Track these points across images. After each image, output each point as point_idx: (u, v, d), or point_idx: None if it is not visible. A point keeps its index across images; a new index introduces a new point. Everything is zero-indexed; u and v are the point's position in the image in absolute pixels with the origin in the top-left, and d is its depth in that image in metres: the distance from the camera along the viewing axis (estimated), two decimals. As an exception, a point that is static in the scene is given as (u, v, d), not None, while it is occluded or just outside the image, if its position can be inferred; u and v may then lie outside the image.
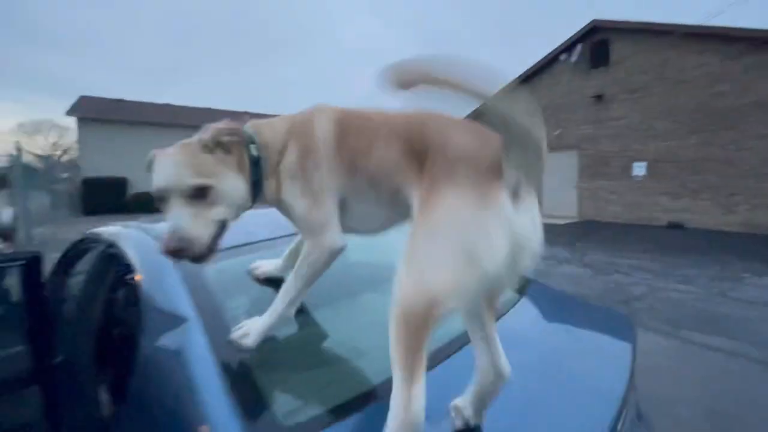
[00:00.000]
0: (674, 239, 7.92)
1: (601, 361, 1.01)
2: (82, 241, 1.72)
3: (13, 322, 1.42)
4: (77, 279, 1.99)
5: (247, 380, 0.75)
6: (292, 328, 0.99)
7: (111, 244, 1.36)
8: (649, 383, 2.37)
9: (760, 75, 8.05)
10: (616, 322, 1.26)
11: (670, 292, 4.53)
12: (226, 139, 0.77)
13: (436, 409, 0.69)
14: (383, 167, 0.78)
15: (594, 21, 10.65)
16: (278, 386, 0.78)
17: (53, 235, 9.07)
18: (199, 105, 22.88)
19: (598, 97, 10.73)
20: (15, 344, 1.46)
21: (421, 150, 0.72)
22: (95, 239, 1.56)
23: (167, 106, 21.38)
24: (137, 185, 16.99)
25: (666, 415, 2.14)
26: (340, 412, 0.71)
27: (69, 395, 1.32)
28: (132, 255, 1.14)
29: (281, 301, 0.86)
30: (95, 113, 17.50)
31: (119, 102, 19.92)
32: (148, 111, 19.59)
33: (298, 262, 0.86)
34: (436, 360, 0.86)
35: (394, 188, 0.78)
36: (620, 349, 1.06)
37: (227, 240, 1.19)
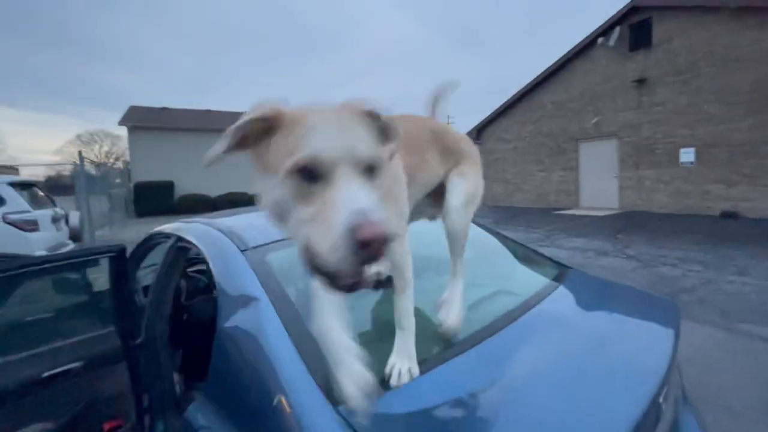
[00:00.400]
0: (728, 229, 7.42)
1: (643, 341, 1.05)
2: (150, 238, 1.93)
3: (104, 306, 1.64)
4: (145, 272, 2.24)
5: (315, 352, 0.87)
6: (346, 311, 1.10)
7: (180, 238, 1.54)
8: (701, 375, 2.32)
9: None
10: (659, 306, 1.28)
11: (724, 284, 4.29)
12: (379, 124, 0.61)
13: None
14: (433, 173, 1.07)
15: (633, 1, 10.10)
16: None
17: (114, 236, 9.87)
18: (237, 109, 23.85)
19: (640, 81, 10.18)
20: (106, 325, 1.69)
21: (452, 149, 1.13)
22: (164, 235, 1.75)
23: (208, 112, 22.47)
24: (183, 188, 18.03)
25: (717, 406, 2.09)
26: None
27: (150, 371, 1.50)
28: (202, 246, 1.29)
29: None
30: (143, 121, 18.73)
31: (164, 110, 21.19)
32: (191, 117, 20.71)
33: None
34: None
35: (434, 183, 1.10)
36: (663, 330, 1.09)
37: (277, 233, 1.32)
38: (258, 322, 0.93)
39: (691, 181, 9.48)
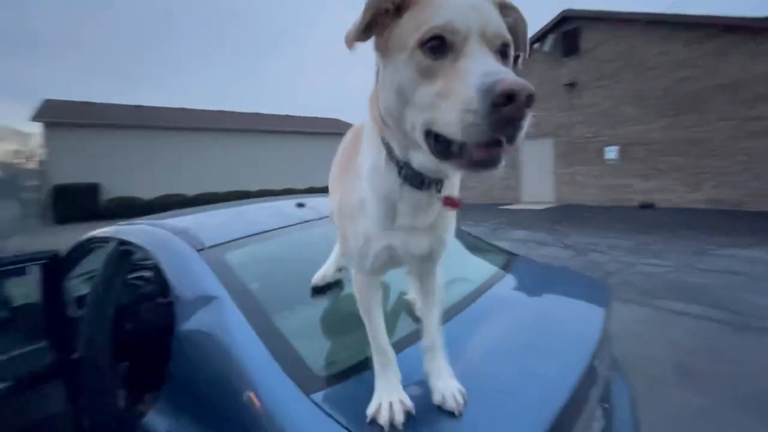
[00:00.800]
0: (646, 218, 8.34)
1: (579, 315, 1.17)
2: (83, 244, 1.76)
3: (33, 319, 1.48)
4: (76, 282, 2.04)
5: (282, 345, 0.87)
6: (310, 305, 1.11)
7: (123, 242, 1.43)
8: (625, 347, 2.59)
9: (721, 60, 8.51)
10: (592, 286, 1.43)
11: (643, 266, 4.83)
12: (509, 21, 0.55)
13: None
14: None
15: (564, 11, 10.95)
16: (307, 348, 0.90)
17: (29, 245, 8.80)
18: (173, 105, 22.32)
19: (571, 85, 11.08)
20: (37, 340, 1.52)
21: None
22: (101, 240, 1.62)
23: (139, 107, 20.72)
24: (111, 190, 16.49)
25: (640, 371, 2.36)
26: (360, 365, 0.84)
27: (92, 388, 1.39)
28: (152, 248, 1.22)
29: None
30: (62, 117, 16.82)
31: (86, 105, 19.18)
32: (119, 113, 18.94)
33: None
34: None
35: None
36: (595, 306, 1.22)
37: (238, 231, 1.29)
38: (222, 322, 0.90)
39: (616, 175, 10.51)
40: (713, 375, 2.39)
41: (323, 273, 1.11)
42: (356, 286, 0.78)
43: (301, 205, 1.66)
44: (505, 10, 0.55)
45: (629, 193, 10.28)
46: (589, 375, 0.86)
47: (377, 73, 0.57)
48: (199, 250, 1.11)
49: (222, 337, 0.86)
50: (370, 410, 0.68)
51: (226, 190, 18.40)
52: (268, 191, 18.88)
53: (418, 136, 0.50)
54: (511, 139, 0.45)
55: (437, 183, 0.62)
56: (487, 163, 0.45)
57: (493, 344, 0.91)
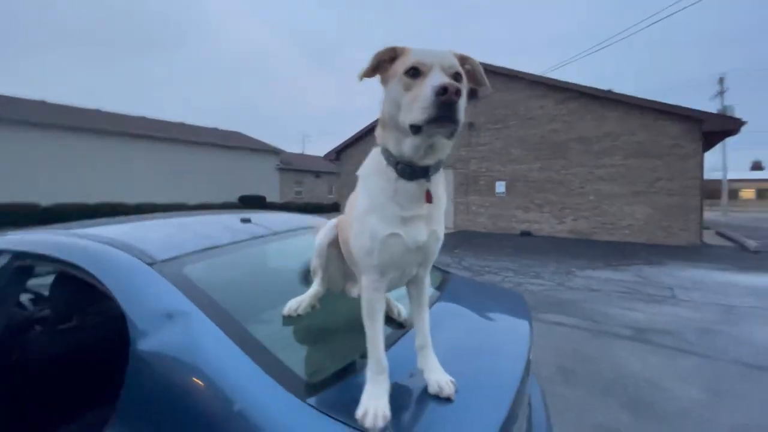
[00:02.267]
0: (526, 244, 9.72)
1: (512, 321, 1.34)
2: None
3: None
4: None
5: (265, 355, 0.84)
6: (281, 318, 1.08)
7: (20, 255, 1.20)
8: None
9: (578, 118, 10.61)
10: (514, 297, 1.65)
11: (529, 285, 5.62)
12: (467, 67, 0.82)
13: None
14: None
15: (466, 60, 12.48)
16: (290, 358, 0.89)
17: None
18: (32, 97, 18.67)
19: (470, 125, 12.54)
20: None
21: None
22: None
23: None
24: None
25: (536, 374, 2.75)
26: (342, 371, 0.87)
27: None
28: (81, 263, 1.04)
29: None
30: None
31: None
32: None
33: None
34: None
35: None
36: (522, 312, 1.41)
37: (190, 244, 1.20)
38: (195, 338, 0.83)
39: (503, 207, 12.08)
40: (583, 372, 2.90)
41: (296, 306, 1.09)
42: (364, 293, 0.84)
43: (246, 220, 1.61)
44: (464, 60, 0.81)
45: (513, 222, 11.88)
46: (527, 367, 1.02)
47: (382, 101, 0.81)
48: (149, 264, 1.01)
49: (200, 354, 0.79)
50: (358, 413, 0.72)
51: (83, 200, 15.65)
52: (148, 206, 16.80)
53: (406, 127, 0.73)
54: (453, 117, 0.68)
55: (424, 174, 0.79)
56: (442, 124, 0.69)
57: (447, 349, 1.02)
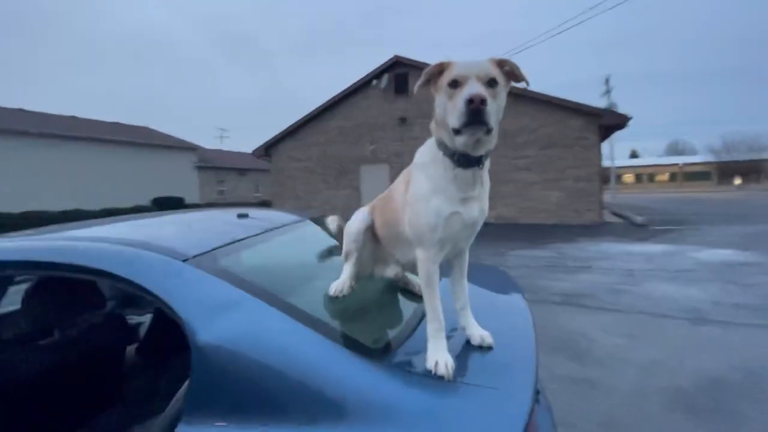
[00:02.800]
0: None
1: (510, 294, 1.48)
2: None
3: None
4: None
5: (328, 328, 0.93)
6: (328, 299, 1.16)
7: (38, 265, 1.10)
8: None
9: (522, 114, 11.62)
10: (498, 273, 1.83)
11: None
12: (506, 69, 0.92)
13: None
14: None
15: (396, 56, 12.86)
16: (352, 328, 0.98)
17: None
18: None
19: (402, 120, 12.99)
20: None
21: None
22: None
23: None
24: None
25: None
26: (401, 335, 1.00)
27: None
28: (112, 267, 1.00)
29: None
30: None
31: None
32: None
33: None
34: None
35: None
36: (512, 285, 1.58)
37: (213, 240, 1.21)
38: (256, 320, 0.88)
39: (437, 197, 12.78)
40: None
41: (340, 287, 1.17)
42: (422, 265, 0.97)
43: (243, 215, 1.62)
44: (502, 63, 0.93)
45: (447, 212, 12.64)
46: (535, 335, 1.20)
47: (436, 105, 0.95)
48: (184, 261, 1.02)
49: (269, 334, 0.85)
50: (430, 365, 0.86)
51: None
52: (33, 214, 14.56)
53: (451, 129, 0.87)
54: (483, 121, 0.82)
55: (478, 163, 0.93)
56: (474, 128, 0.84)
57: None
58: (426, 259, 0.98)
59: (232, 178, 29.30)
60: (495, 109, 0.84)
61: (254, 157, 17.45)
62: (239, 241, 1.28)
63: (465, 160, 0.92)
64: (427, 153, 1.01)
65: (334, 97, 14.28)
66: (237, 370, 0.83)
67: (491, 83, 0.87)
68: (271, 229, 1.50)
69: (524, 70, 0.95)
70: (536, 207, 11.48)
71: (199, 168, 26.48)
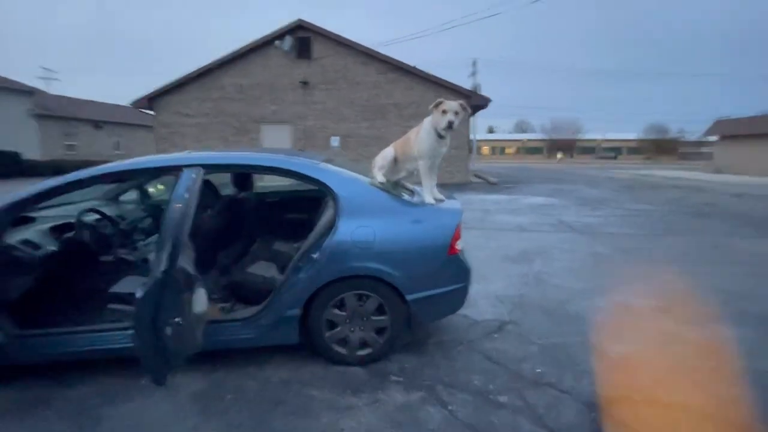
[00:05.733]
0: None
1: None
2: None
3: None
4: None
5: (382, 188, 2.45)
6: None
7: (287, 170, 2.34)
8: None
9: (393, 87, 13.43)
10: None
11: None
12: (465, 107, 2.41)
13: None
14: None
15: (299, 20, 13.28)
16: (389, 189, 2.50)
17: None
18: None
19: (305, 83, 13.69)
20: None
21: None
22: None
23: None
24: None
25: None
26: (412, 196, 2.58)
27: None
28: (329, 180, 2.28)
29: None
30: None
31: None
32: None
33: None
34: None
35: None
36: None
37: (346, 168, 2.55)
38: (356, 179, 2.35)
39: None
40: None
41: (379, 180, 2.55)
42: (423, 167, 2.53)
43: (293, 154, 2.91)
44: (463, 105, 2.42)
45: (347, 172, 14.17)
46: None
47: (432, 116, 2.47)
48: (322, 161, 2.38)
49: (366, 186, 2.34)
50: (427, 200, 2.50)
51: None
52: None
53: (439, 129, 2.44)
54: (451, 128, 2.37)
55: (444, 135, 2.50)
56: (446, 129, 2.39)
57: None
58: (424, 164, 2.55)
59: (85, 131, 24.86)
60: (456, 123, 2.33)
61: (113, 108, 15.59)
62: (329, 159, 2.63)
63: (440, 135, 2.44)
64: (428, 125, 2.49)
65: (228, 54, 13.93)
66: (361, 202, 2.29)
67: (457, 113, 2.40)
68: (332, 156, 2.85)
69: (467, 107, 2.63)
70: (421, 169, 13.94)
71: (39, 116, 21.79)
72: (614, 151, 52.04)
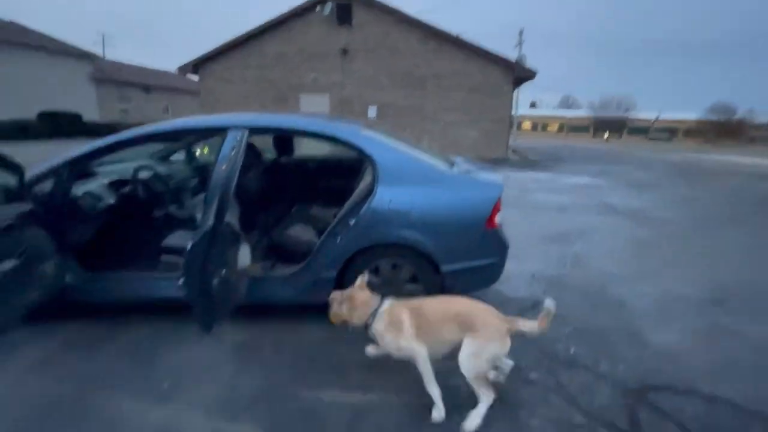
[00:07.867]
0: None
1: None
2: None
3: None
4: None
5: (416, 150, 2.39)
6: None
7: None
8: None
9: (434, 56, 12.93)
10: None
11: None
12: None
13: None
14: (448, 339, 1.68)
15: (340, -16, 12.90)
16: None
17: None
18: None
19: (344, 51, 13.47)
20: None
21: (468, 324, 1.65)
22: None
23: None
24: None
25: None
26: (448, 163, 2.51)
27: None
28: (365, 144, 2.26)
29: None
30: None
31: None
32: None
33: None
34: None
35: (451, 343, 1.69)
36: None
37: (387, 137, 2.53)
38: (397, 146, 2.31)
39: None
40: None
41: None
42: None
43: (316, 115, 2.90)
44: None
45: (383, 144, 14.05)
46: None
47: None
48: (361, 130, 2.35)
49: (406, 152, 2.29)
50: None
51: None
52: None
53: None
54: None
55: None
56: None
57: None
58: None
59: (137, 95, 26.08)
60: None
61: (161, 74, 16.12)
62: (366, 127, 2.60)
63: None
64: None
65: (273, 19, 13.87)
66: (400, 170, 2.26)
67: None
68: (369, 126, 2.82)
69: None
70: (459, 143, 13.54)
71: (98, 80, 23.03)
72: (668, 132, 48.06)
